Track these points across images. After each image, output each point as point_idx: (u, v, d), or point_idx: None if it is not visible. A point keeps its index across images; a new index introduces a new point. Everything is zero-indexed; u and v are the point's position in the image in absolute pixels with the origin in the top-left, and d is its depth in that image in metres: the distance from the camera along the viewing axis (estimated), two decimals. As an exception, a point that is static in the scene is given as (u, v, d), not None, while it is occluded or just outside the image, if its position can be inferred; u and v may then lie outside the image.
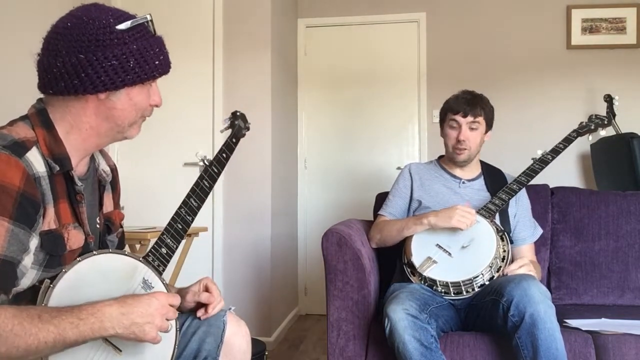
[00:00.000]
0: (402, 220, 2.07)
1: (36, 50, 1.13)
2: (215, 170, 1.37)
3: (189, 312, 1.35)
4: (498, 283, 1.78)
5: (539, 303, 1.62)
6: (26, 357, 0.93)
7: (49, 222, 1.06)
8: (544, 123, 3.82)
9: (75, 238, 1.11)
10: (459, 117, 2.08)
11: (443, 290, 1.88)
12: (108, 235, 1.29)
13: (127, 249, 1.52)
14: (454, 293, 1.87)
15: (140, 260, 1.14)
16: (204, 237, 3.18)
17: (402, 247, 2.04)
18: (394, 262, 2.11)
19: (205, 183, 1.33)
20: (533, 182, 2.14)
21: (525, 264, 1.90)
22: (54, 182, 1.08)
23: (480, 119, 2.08)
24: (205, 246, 3.30)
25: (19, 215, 0.98)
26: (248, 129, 1.59)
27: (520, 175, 2.10)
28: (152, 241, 1.22)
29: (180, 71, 3.22)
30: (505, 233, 1.98)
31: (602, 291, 2.28)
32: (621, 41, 3.80)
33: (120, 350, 1.06)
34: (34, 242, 1.02)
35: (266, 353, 2.39)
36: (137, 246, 2.45)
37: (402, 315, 1.64)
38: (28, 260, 1.02)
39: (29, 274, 1.03)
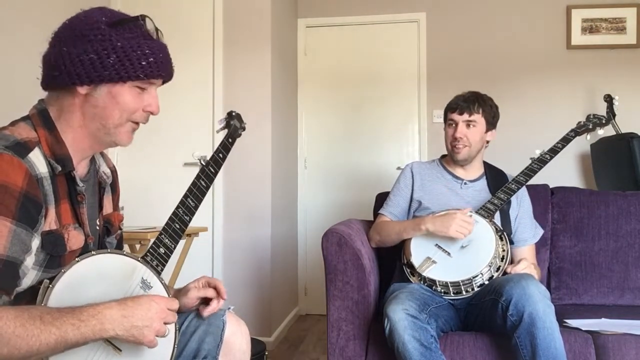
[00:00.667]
0: (400, 224, 2.06)
1: (39, 51, 1.15)
2: (212, 170, 1.37)
3: (190, 311, 1.34)
4: (497, 283, 1.78)
5: (538, 302, 1.61)
6: (27, 358, 0.93)
7: (50, 222, 1.06)
8: (544, 123, 3.82)
9: (75, 239, 1.11)
10: (455, 115, 2.09)
11: (442, 290, 1.88)
12: (107, 237, 1.29)
13: (126, 249, 1.52)
14: (453, 293, 1.87)
15: (138, 260, 1.14)
16: (203, 237, 3.18)
17: (401, 247, 2.04)
18: (394, 262, 2.11)
19: (202, 183, 1.33)
20: (533, 182, 2.14)
21: (529, 266, 1.91)
22: (56, 183, 1.08)
23: (478, 117, 2.08)
24: (205, 246, 3.30)
25: (21, 216, 0.99)
26: (244, 129, 1.59)
27: (518, 175, 2.10)
28: (152, 241, 1.22)
29: (180, 71, 3.20)
30: (504, 233, 1.97)
31: (602, 291, 2.28)
32: (621, 41, 3.80)
33: (120, 350, 1.06)
34: (35, 243, 1.03)
35: (266, 353, 2.39)
36: (137, 246, 2.45)
37: (402, 315, 1.64)
38: (30, 260, 1.02)
39: (29, 274, 1.04)
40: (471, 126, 2.08)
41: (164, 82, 1.22)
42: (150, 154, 3.36)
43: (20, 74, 2.29)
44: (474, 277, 1.84)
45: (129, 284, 1.11)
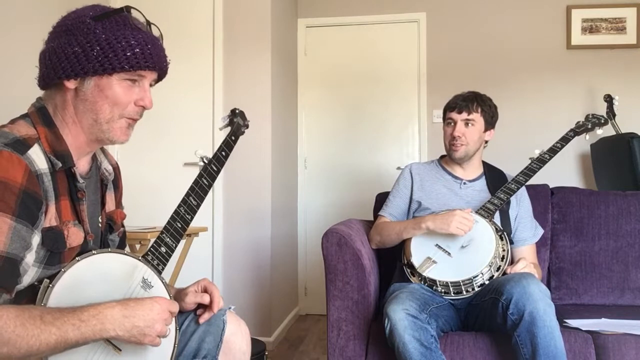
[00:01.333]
0: (401, 223, 2.06)
1: (38, 50, 1.15)
2: (215, 168, 1.36)
3: (188, 312, 1.34)
4: (497, 282, 1.78)
5: (538, 301, 1.62)
6: (27, 357, 0.93)
7: (50, 219, 1.06)
8: (544, 123, 3.82)
9: (75, 235, 1.11)
10: (453, 114, 2.10)
11: (443, 290, 1.88)
12: (110, 234, 1.29)
13: (127, 248, 1.52)
14: (453, 293, 1.87)
15: (139, 260, 1.14)
16: (204, 237, 3.18)
17: (401, 247, 2.04)
18: (394, 262, 2.11)
19: (205, 181, 1.33)
20: (533, 181, 2.14)
21: (528, 265, 1.91)
22: (56, 179, 1.09)
23: (476, 116, 2.08)
24: (205, 246, 3.30)
25: (21, 212, 0.99)
26: (247, 126, 1.58)
27: (518, 175, 2.10)
28: (152, 241, 1.21)
29: (180, 71, 3.23)
30: (505, 233, 1.97)
31: (602, 291, 2.28)
32: (621, 41, 3.80)
33: (120, 350, 1.06)
34: (35, 240, 1.03)
35: (266, 353, 2.38)
36: (137, 246, 2.45)
37: (402, 315, 1.64)
38: (30, 257, 1.02)
39: (29, 271, 1.03)
40: (469, 125, 2.08)
41: (159, 78, 1.21)
42: (150, 153, 3.36)
43: (20, 73, 2.29)
44: (474, 277, 1.84)
45: (130, 283, 1.11)
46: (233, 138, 1.48)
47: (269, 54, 3.33)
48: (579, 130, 2.27)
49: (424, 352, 1.61)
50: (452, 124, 2.10)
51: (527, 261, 1.93)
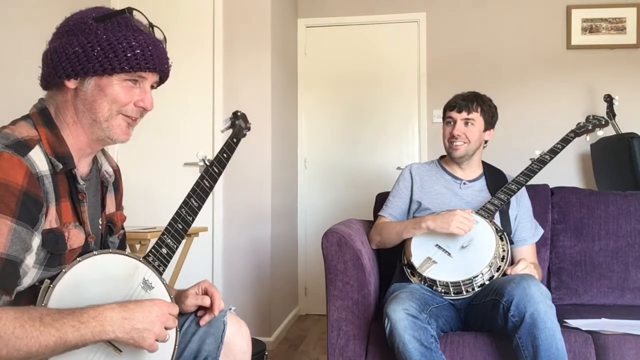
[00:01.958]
0: (401, 223, 2.06)
1: (40, 51, 1.16)
2: (216, 170, 1.37)
3: (189, 313, 1.34)
4: (498, 283, 1.78)
5: (539, 303, 1.62)
6: (27, 359, 0.93)
7: (50, 220, 1.06)
8: (544, 123, 3.82)
9: (75, 237, 1.11)
10: (453, 113, 2.10)
11: (443, 291, 1.88)
12: (110, 236, 1.29)
13: (127, 249, 1.52)
14: (453, 293, 1.87)
15: (140, 260, 1.14)
16: (204, 237, 3.18)
17: (402, 247, 2.04)
18: (394, 262, 2.11)
19: (206, 183, 1.33)
20: (533, 182, 2.14)
21: (528, 266, 1.91)
22: (57, 181, 1.09)
23: (476, 115, 2.09)
24: (205, 246, 3.30)
25: (21, 214, 0.99)
26: (249, 129, 1.58)
27: (518, 176, 2.10)
28: (152, 241, 1.22)
29: (180, 71, 3.22)
30: (505, 233, 1.98)
31: (602, 291, 2.28)
32: (621, 41, 3.80)
33: (121, 351, 1.06)
34: (36, 241, 1.03)
35: (266, 353, 2.39)
36: (137, 246, 2.45)
37: (402, 315, 1.64)
38: (30, 259, 1.02)
39: (29, 273, 1.03)
40: (469, 124, 2.08)
41: (161, 80, 1.21)
42: (150, 154, 3.36)
43: (24, 74, 2.29)
44: (474, 277, 1.84)
45: (131, 284, 1.11)
46: (235, 140, 1.48)
47: (269, 54, 3.33)
48: (579, 131, 2.26)
49: (424, 352, 1.61)
50: (452, 123, 2.11)
51: (527, 262, 1.93)
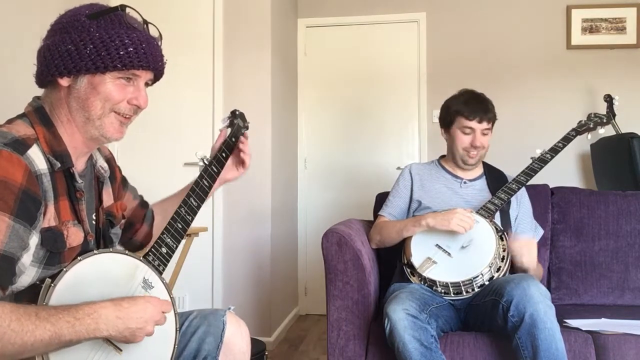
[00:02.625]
0: (401, 222, 2.07)
1: (37, 49, 1.16)
2: (215, 169, 1.37)
3: (188, 313, 1.34)
4: (498, 283, 1.78)
5: (539, 303, 1.62)
6: (21, 353, 0.93)
7: (49, 219, 1.06)
8: (543, 123, 3.81)
9: (74, 235, 1.11)
10: (474, 124, 2.07)
11: (443, 291, 1.88)
12: (111, 228, 1.29)
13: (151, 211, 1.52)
14: (453, 293, 1.87)
15: (140, 260, 1.14)
16: (204, 237, 3.18)
17: (401, 247, 2.04)
18: (394, 262, 2.11)
19: (205, 182, 1.33)
20: (533, 181, 2.14)
21: (533, 240, 1.93)
22: (55, 180, 1.08)
23: (491, 125, 2.10)
24: (205, 246, 3.30)
25: (20, 212, 0.99)
26: (247, 128, 1.58)
27: (519, 175, 2.10)
28: (154, 241, 1.21)
29: (180, 71, 3.23)
30: (505, 233, 1.97)
31: (602, 291, 2.28)
32: (621, 41, 3.80)
33: (121, 350, 1.06)
34: (34, 240, 1.03)
35: (266, 353, 2.38)
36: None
37: (402, 315, 1.64)
38: (27, 258, 1.02)
39: (28, 271, 1.04)
40: (487, 134, 2.09)
41: (156, 78, 1.21)
42: (150, 153, 3.36)
43: (17, 71, 2.29)
44: (474, 278, 1.84)
45: (131, 283, 1.11)
46: (233, 139, 1.48)
47: (269, 54, 3.33)
48: (580, 129, 2.26)
49: (424, 352, 1.61)
50: (470, 132, 2.09)
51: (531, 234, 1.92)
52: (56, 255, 1.08)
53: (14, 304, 0.94)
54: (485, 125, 2.07)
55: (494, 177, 2.19)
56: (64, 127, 1.14)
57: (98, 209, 1.25)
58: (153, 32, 1.18)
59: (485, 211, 1.99)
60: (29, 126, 1.09)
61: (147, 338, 1.06)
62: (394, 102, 4.10)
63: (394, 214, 2.16)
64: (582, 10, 3.84)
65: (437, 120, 3.88)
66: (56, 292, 1.01)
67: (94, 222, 1.23)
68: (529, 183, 2.11)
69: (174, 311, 1.16)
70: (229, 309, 1.37)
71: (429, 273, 1.89)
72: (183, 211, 1.26)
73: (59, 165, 1.09)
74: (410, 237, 2.00)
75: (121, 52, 1.09)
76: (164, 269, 1.18)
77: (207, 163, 1.36)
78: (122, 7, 1.13)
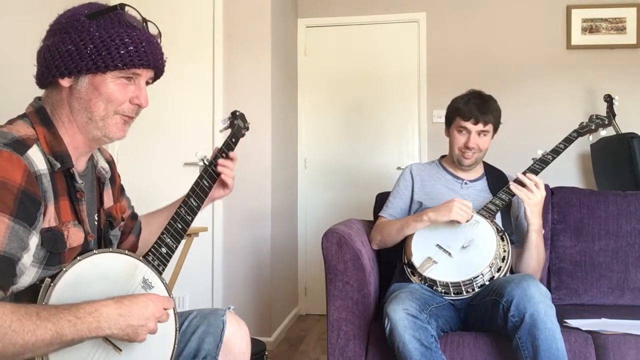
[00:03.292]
0: (402, 219, 2.07)
1: (37, 49, 1.16)
2: (215, 170, 1.37)
3: (188, 313, 1.34)
4: (498, 283, 1.78)
5: (539, 303, 1.62)
6: (23, 354, 0.93)
7: (49, 219, 1.06)
8: (544, 123, 3.81)
9: (75, 236, 1.11)
10: (469, 124, 2.06)
11: (443, 291, 1.88)
12: (110, 230, 1.29)
13: (140, 227, 1.52)
14: (454, 293, 1.87)
15: (140, 260, 1.14)
16: (204, 237, 3.18)
17: (402, 247, 2.04)
18: (394, 262, 2.11)
19: (205, 183, 1.34)
20: (533, 182, 2.13)
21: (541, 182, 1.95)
22: (55, 180, 1.08)
23: (490, 127, 2.08)
24: (205, 246, 3.30)
25: (19, 213, 0.99)
26: (248, 128, 1.58)
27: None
28: (154, 241, 1.21)
29: (180, 71, 3.23)
30: (506, 233, 1.97)
31: (602, 291, 2.28)
32: (621, 41, 3.80)
33: (120, 350, 1.06)
34: (33, 241, 1.02)
35: (266, 353, 2.38)
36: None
37: (402, 315, 1.64)
38: (27, 258, 1.02)
39: (29, 272, 1.04)
40: (482, 135, 2.08)
41: (156, 76, 1.21)
42: (150, 153, 3.36)
43: (18, 72, 2.29)
44: (474, 278, 1.84)
45: (131, 283, 1.11)
46: (233, 140, 1.48)
47: (269, 54, 3.33)
48: (582, 131, 2.24)
49: (424, 352, 1.61)
50: (466, 133, 2.08)
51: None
52: (56, 256, 1.08)
53: (15, 304, 0.94)
54: (481, 127, 2.05)
55: (495, 178, 2.18)
56: (64, 128, 1.14)
57: (99, 210, 1.25)
58: (152, 30, 1.18)
59: (486, 211, 1.99)
60: (29, 126, 1.09)
61: (147, 337, 1.05)
62: (394, 102, 4.10)
63: (395, 215, 2.16)
64: (582, 10, 3.84)
65: (437, 120, 3.92)
66: (56, 291, 1.01)
67: (95, 223, 1.23)
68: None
69: (174, 311, 1.16)
70: (229, 308, 1.37)
71: (429, 273, 1.89)
72: (183, 211, 1.26)
73: (58, 165, 1.09)
74: (410, 237, 2.00)
75: (121, 51, 1.09)
76: (163, 269, 1.18)
77: (207, 163, 1.36)
78: (122, 6, 1.13)
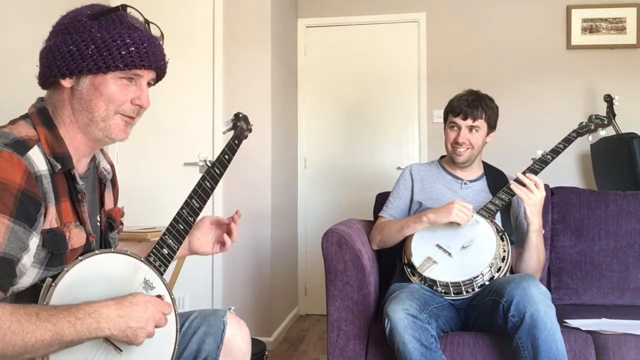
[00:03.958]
0: (401, 220, 2.07)
1: (39, 50, 1.16)
2: (218, 171, 1.37)
3: (189, 313, 1.34)
4: (498, 283, 1.78)
5: (539, 303, 1.62)
6: (22, 354, 0.93)
7: (50, 220, 1.06)
8: (544, 123, 3.81)
9: (76, 237, 1.11)
10: (458, 120, 2.08)
11: (443, 291, 1.88)
12: (110, 232, 1.29)
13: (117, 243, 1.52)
14: (454, 293, 1.87)
15: (142, 261, 1.14)
16: (204, 237, 3.17)
17: (402, 247, 2.04)
18: (394, 262, 2.11)
19: (207, 184, 1.34)
20: (533, 182, 2.13)
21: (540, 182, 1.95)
22: (56, 181, 1.08)
23: (481, 122, 2.08)
24: (206, 246, 3.29)
25: (19, 213, 0.98)
26: (250, 130, 1.58)
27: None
28: (156, 242, 1.21)
29: (180, 71, 3.23)
30: (505, 233, 1.98)
31: (602, 291, 2.28)
32: (621, 41, 3.80)
33: (121, 350, 1.06)
34: (34, 241, 1.02)
35: (266, 353, 2.39)
36: (137, 247, 2.44)
37: (402, 315, 1.64)
38: (27, 259, 1.02)
39: (29, 272, 1.03)
40: (474, 131, 2.08)
41: (158, 77, 1.21)
42: (150, 153, 3.36)
43: (21, 73, 2.29)
44: (474, 278, 1.84)
45: (132, 284, 1.11)
46: (236, 142, 1.48)
47: (269, 54, 3.33)
48: (581, 131, 2.25)
49: (424, 352, 1.61)
50: (456, 129, 2.09)
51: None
52: (58, 257, 1.08)
53: (15, 305, 0.94)
54: (470, 122, 2.06)
55: (495, 178, 2.18)
56: (66, 128, 1.14)
57: (101, 211, 1.25)
58: (154, 31, 1.18)
59: (485, 211, 1.99)
60: (30, 127, 1.09)
61: (148, 339, 1.06)
62: (394, 102, 4.10)
63: (395, 215, 2.16)
64: (582, 10, 3.84)
65: (437, 120, 3.92)
66: (57, 291, 1.01)
67: (98, 224, 1.23)
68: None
69: (175, 312, 1.16)
70: (230, 309, 1.37)
71: (429, 273, 1.89)
72: (185, 212, 1.26)
73: (59, 166, 1.09)
74: (410, 237, 2.00)
75: (123, 52, 1.09)
76: (165, 270, 1.18)
77: (209, 165, 1.36)
78: (123, 7, 1.13)
